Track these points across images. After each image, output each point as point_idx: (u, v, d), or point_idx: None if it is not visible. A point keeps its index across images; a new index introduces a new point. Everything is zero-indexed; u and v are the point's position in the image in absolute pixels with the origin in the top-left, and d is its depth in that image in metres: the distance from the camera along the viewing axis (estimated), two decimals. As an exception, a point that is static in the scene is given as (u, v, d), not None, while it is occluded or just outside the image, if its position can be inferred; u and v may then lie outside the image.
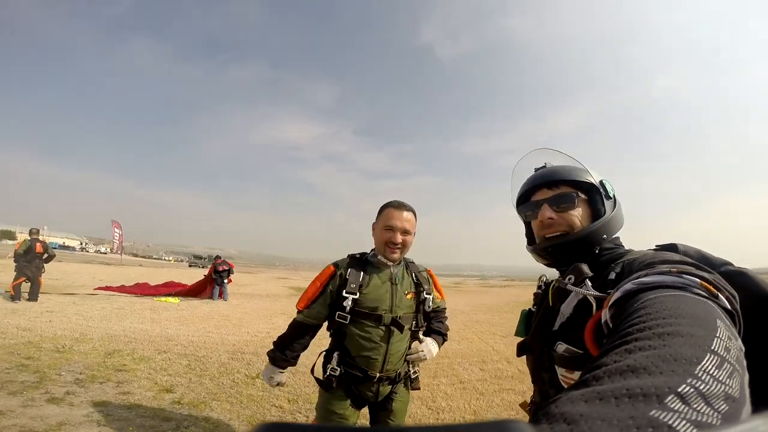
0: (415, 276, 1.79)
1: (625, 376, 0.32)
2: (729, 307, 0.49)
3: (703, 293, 0.50)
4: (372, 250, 1.75)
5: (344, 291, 1.63)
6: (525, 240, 1.06)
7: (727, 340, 0.37)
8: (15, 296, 7.29)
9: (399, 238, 1.64)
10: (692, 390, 0.29)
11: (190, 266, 49.13)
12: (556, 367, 0.85)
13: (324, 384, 1.65)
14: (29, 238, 8.25)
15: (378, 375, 1.63)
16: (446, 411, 3.31)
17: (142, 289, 10.99)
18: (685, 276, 0.53)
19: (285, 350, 1.74)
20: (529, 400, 1.19)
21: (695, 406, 0.27)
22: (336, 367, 1.63)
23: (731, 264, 0.70)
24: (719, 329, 0.39)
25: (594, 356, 0.65)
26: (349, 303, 1.62)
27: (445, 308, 2.00)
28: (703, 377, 0.30)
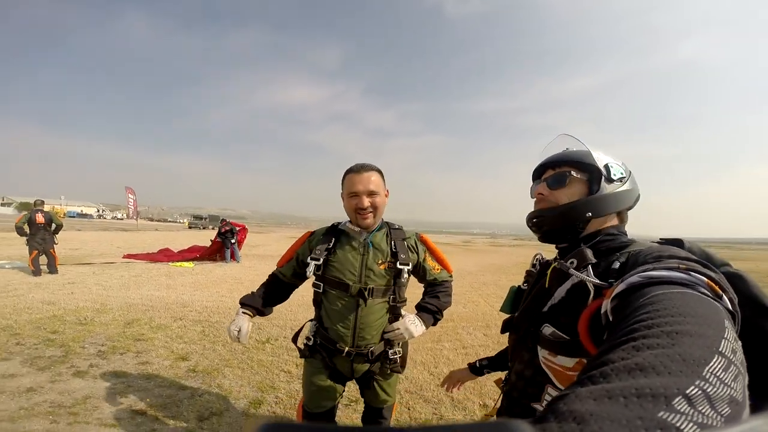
0: (395, 244, 1.65)
1: (634, 374, 0.32)
2: (731, 308, 0.50)
3: (709, 293, 0.50)
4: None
5: (309, 257, 1.65)
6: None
7: (734, 341, 0.38)
8: (35, 271, 7.57)
9: (366, 201, 1.57)
10: (699, 392, 0.29)
11: (189, 227, 45.29)
12: (539, 348, 0.87)
13: (301, 352, 1.73)
14: (34, 209, 8.33)
15: (347, 349, 1.60)
16: (447, 377, 3.43)
17: (166, 255, 11.43)
18: (692, 273, 0.53)
19: (254, 294, 1.82)
20: (503, 378, 1.23)
21: (700, 408, 0.28)
22: (310, 336, 1.69)
23: (730, 265, 0.70)
24: (727, 330, 0.39)
25: (585, 345, 0.68)
26: (312, 269, 1.63)
27: (446, 281, 1.81)
28: (711, 379, 0.31)
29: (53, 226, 8.38)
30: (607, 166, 0.92)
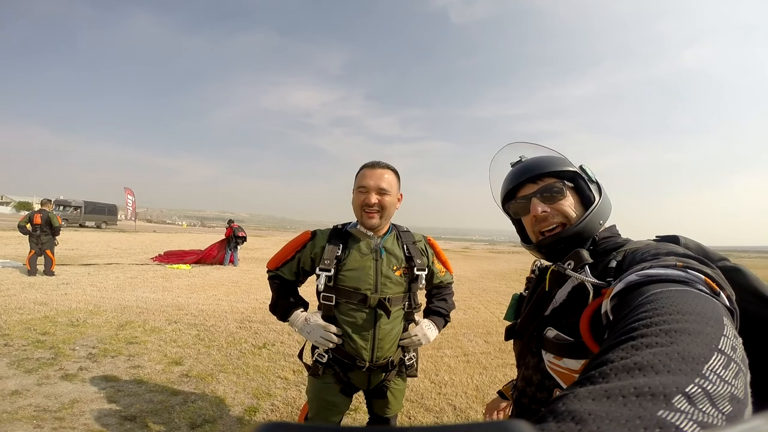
0: (407, 248, 1.58)
1: (633, 374, 0.31)
2: (728, 305, 0.48)
3: (706, 290, 0.49)
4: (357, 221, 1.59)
5: (318, 268, 1.51)
6: (519, 236, 1.05)
7: (734, 338, 0.37)
8: (31, 270, 7.45)
9: (374, 198, 1.45)
10: (699, 390, 0.28)
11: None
12: (543, 352, 0.86)
13: (311, 370, 1.58)
14: (35, 209, 8.22)
15: (368, 365, 1.50)
16: (449, 385, 3.34)
17: (181, 256, 11.40)
18: (689, 271, 0.52)
19: (285, 298, 1.60)
20: (511, 386, 1.21)
21: (701, 406, 0.27)
22: (323, 353, 1.53)
23: (728, 260, 0.69)
24: (726, 327, 0.38)
25: (588, 345, 0.67)
26: (323, 281, 1.48)
27: (451, 283, 1.79)
28: (710, 377, 0.30)
29: (54, 226, 8.19)
30: (582, 168, 0.90)
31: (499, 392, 1.35)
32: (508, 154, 0.99)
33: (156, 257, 11.34)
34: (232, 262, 11.53)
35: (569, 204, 0.88)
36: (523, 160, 0.96)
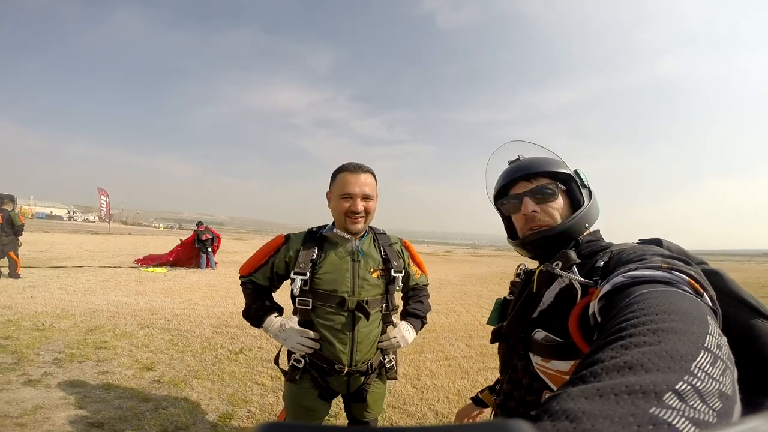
0: (384, 250, 1.58)
1: (623, 372, 0.32)
2: (711, 305, 0.50)
3: (690, 291, 0.50)
4: (332, 223, 1.58)
5: (293, 272, 1.47)
6: (506, 232, 1.06)
7: (719, 337, 0.38)
8: (-7, 273, 7.08)
9: (360, 205, 1.43)
10: (689, 387, 0.29)
11: None
12: (531, 355, 0.85)
13: (287, 375, 1.55)
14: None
15: (347, 369, 1.47)
16: (431, 390, 3.32)
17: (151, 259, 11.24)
18: (674, 272, 0.54)
19: (259, 303, 1.56)
20: (497, 388, 1.17)
21: (692, 403, 0.27)
22: (300, 358, 1.50)
23: (707, 263, 0.71)
24: (711, 326, 0.39)
25: (578, 344, 0.69)
26: (299, 284, 1.45)
27: (427, 285, 1.79)
28: (699, 374, 0.31)
29: (15, 227, 7.71)
30: (577, 172, 0.92)
31: (474, 399, 1.33)
32: (507, 151, 1.01)
33: (138, 260, 11.14)
34: (209, 265, 11.25)
35: (557, 206, 0.90)
36: (520, 158, 0.98)
